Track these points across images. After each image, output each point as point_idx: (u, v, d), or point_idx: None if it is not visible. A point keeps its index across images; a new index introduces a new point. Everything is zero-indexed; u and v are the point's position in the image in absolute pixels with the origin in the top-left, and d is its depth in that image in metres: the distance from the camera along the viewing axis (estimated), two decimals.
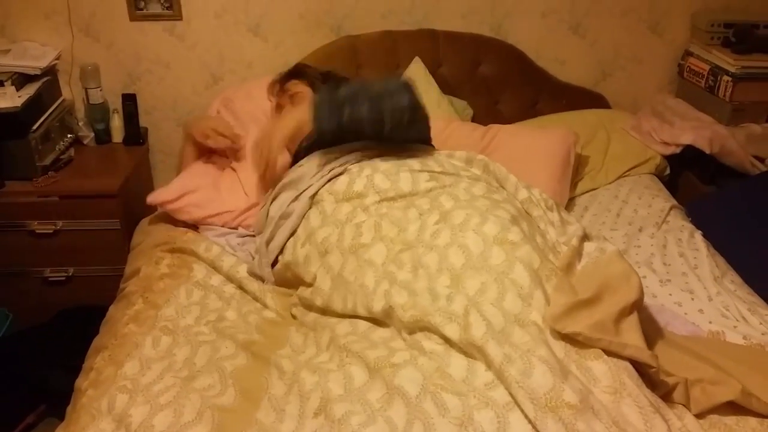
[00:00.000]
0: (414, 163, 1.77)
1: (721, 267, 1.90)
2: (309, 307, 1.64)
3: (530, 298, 1.37)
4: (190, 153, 2.21)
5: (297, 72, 2.19)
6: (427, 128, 1.91)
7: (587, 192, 2.42)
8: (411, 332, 1.41)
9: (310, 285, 1.66)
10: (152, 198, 2.00)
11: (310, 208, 1.76)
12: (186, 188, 2.00)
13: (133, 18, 2.62)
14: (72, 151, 2.54)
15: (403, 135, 1.79)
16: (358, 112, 1.70)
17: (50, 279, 2.41)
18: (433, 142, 2.05)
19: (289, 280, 1.74)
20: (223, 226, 2.00)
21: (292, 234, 1.75)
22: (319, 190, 1.76)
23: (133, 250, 2.00)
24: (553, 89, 2.79)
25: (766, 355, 1.51)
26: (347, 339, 1.44)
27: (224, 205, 1.99)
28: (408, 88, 1.73)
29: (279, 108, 2.14)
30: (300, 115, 1.80)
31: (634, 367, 1.30)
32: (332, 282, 1.59)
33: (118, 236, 2.35)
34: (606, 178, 2.48)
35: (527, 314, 1.35)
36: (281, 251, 1.76)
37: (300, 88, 2.12)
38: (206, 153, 2.21)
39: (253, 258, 1.80)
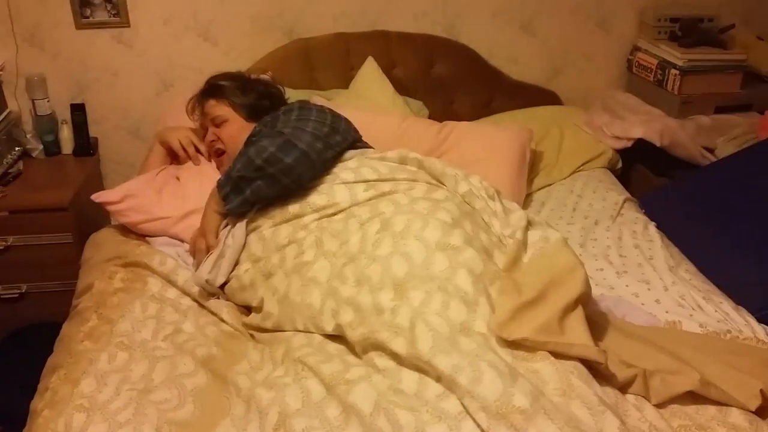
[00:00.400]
0: (347, 174, 1.73)
1: (675, 257, 1.94)
2: (262, 330, 1.62)
3: (475, 304, 1.37)
4: (156, 159, 2.16)
5: (212, 90, 2.05)
6: (344, 137, 1.84)
7: (543, 188, 2.45)
8: (364, 351, 1.40)
9: (257, 309, 1.64)
10: (97, 196, 1.98)
11: (247, 236, 1.75)
12: (130, 191, 1.97)
13: (79, 26, 2.56)
14: (20, 165, 2.47)
15: (312, 173, 1.74)
16: (257, 188, 1.70)
17: (2, 297, 2.35)
18: (388, 139, 2.02)
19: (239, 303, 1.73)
20: (161, 234, 1.97)
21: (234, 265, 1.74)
22: (253, 216, 1.75)
23: (85, 264, 1.95)
24: (507, 88, 2.81)
25: (722, 343, 1.54)
26: (302, 351, 1.43)
27: (162, 211, 1.95)
28: (290, 141, 1.69)
29: (203, 128, 2.08)
30: (218, 207, 1.79)
31: (585, 362, 1.31)
32: (279, 305, 1.58)
33: (71, 250, 2.29)
34: (561, 173, 2.50)
35: (473, 321, 1.35)
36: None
37: (220, 110, 2.00)
38: (169, 161, 2.18)
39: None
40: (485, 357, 1.25)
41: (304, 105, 1.90)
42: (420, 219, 1.53)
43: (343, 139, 1.83)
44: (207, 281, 1.70)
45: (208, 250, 1.78)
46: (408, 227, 1.52)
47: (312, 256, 1.59)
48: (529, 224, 1.62)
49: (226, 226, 1.79)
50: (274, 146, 1.68)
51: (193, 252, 1.82)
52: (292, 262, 1.61)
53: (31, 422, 1.40)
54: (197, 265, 1.78)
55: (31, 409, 1.44)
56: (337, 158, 1.81)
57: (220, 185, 1.77)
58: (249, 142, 1.81)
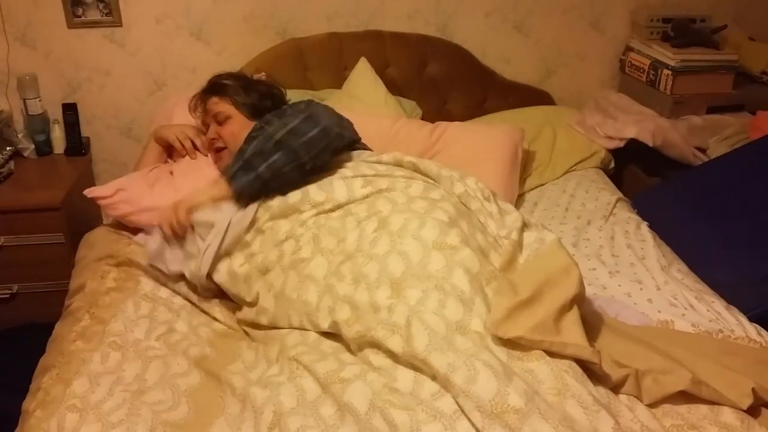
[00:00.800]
0: (345, 170, 1.73)
1: (667, 256, 1.95)
2: (256, 326, 1.61)
3: (471, 303, 1.37)
4: (151, 157, 2.16)
5: (216, 88, 2.04)
6: (351, 132, 1.87)
7: (536, 188, 2.45)
8: (359, 348, 1.40)
9: (251, 304, 1.63)
10: (90, 191, 1.99)
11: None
12: (122, 186, 1.98)
13: (71, 25, 2.55)
14: (12, 164, 2.46)
15: (326, 156, 1.74)
16: (274, 163, 1.66)
17: None
18: (381, 141, 2.02)
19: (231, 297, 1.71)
20: (152, 226, 1.96)
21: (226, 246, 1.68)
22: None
23: (78, 264, 1.94)
24: (500, 88, 2.82)
25: (714, 342, 1.55)
26: (297, 350, 1.43)
27: (152, 201, 1.95)
28: (312, 116, 1.71)
29: (205, 125, 2.07)
30: (216, 192, 1.71)
31: (579, 362, 1.31)
32: (275, 300, 1.57)
33: (63, 250, 2.28)
34: (553, 173, 2.51)
35: (469, 320, 1.35)
36: (216, 269, 1.68)
37: (222, 107, 1.99)
38: (164, 159, 2.18)
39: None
40: (480, 356, 1.25)
41: (311, 102, 1.92)
42: (417, 218, 1.53)
43: (348, 135, 1.84)
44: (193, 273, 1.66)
45: (172, 226, 1.70)
46: (405, 226, 1.52)
47: (309, 253, 1.58)
48: (525, 225, 1.62)
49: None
50: (297, 120, 1.69)
51: (164, 217, 1.72)
52: (289, 258, 1.60)
53: (22, 422, 1.40)
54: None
55: (23, 409, 1.44)
56: (342, 152, 1.82)
57: (225, 169, 1.73)
58: (249, 138, 1.80)
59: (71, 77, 2.63)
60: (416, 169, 1.77)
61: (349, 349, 1.43)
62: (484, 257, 1.49)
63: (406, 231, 1.51)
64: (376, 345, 1.36)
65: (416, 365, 1.30)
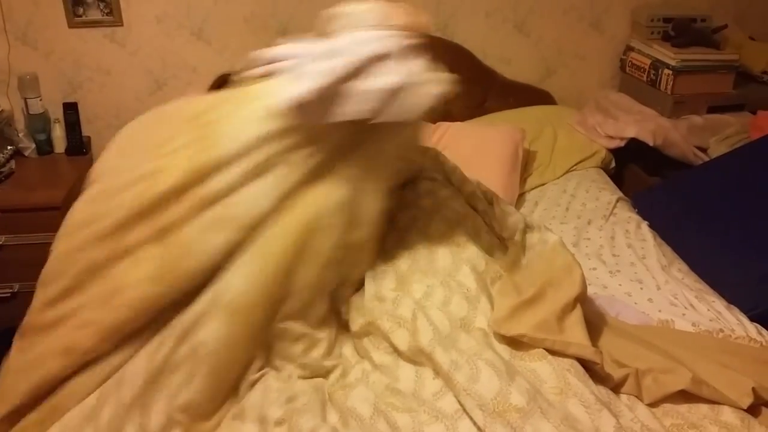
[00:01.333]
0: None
1: (668, 256, 1.95)
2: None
3: (477, 301, 1.38)
4: None
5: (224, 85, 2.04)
6: None
7: (536, 187, 2.45)
8: (359, 336, 1.40)
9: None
10: None
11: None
12: None
13: (72, 25, 2.55)
14: (12, 164, 2.46)
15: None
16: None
17: None
18: None
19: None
20: None
21: None
22: None
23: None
24: (501, 87, 2.81)
25: (714, 341, 1.55)
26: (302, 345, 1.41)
27: None
28: None
29: None
30: None
31: (581, 362, 1.31)
32: None
33: None
34: (554, 173, 2.51)
35: (473, 318, 1.36)
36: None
37: None
38: None
39: None
40: (483, 355, 1.25)
41: None
42: (425, 215, 1.53)
43: None
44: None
45: None
46: (412, 223, 1.52)
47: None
48: (527, 227, 1.63)
49: None
50: None
51: None
52: None
53: None
54: None
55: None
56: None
57: None
58: None
59: (72, 76, 2.63)
60: (436, 160, 1.76)
61: (349, 343, 1.42)
62: (489, 257, 1.50)
63: (413, 227, 1.52)
64: (380, 337, 1.36)
65: (419, 360, 1.30)
